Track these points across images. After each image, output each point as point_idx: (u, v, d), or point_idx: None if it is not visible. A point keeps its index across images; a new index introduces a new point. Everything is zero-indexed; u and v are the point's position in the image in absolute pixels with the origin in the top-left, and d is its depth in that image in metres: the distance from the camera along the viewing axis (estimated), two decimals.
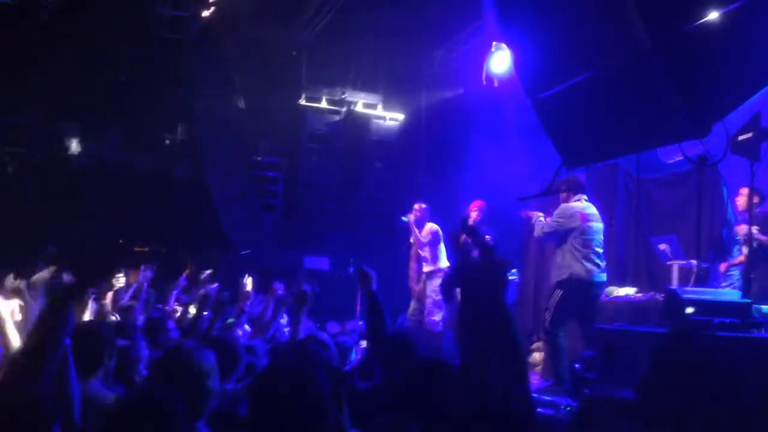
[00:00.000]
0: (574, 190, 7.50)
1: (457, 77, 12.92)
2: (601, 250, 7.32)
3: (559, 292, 7.28)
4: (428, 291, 9.35)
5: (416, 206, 9.70)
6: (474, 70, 11.70)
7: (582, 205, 7.45)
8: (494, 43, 10.69)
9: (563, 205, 7.49)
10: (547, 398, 6.11)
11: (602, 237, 7.41)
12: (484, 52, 11.13)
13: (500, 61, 10.72)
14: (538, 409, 5.97)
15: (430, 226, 9.51)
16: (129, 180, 14.55)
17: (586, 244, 7.25)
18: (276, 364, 2.77)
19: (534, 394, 6.30)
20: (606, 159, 7.62)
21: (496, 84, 11.10)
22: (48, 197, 13.58)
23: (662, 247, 7.65)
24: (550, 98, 6.32)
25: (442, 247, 9.38)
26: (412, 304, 9.58)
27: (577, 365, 6.10)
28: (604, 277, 7.33)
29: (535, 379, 8.03)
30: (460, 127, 12.39)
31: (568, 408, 5.81)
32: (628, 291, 7.67)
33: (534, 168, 9.37)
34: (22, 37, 12.40)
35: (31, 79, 12.95)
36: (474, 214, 8.65)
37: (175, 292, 8.06)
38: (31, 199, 13.49)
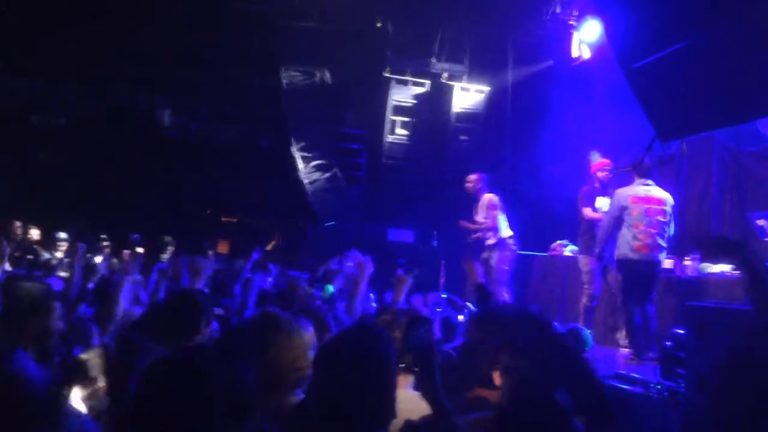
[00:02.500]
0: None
1: (545, 48, 12.65)
2: (653, 230, 7.37)
3: (618, 273, 7.63)
4: (493, 263, 9.22)
5: (470, 177, 9.60)
6: (563, 41, 11.43)
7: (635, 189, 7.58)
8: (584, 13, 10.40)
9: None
10: (636, 376, 5.97)
11: (660, 218, 7.45)
12: (575, 22, 10.85)
13: (591, 31, 10.44)
14: (627, 387, 5.87)
15: (488, 197, 9.36)
16: (215, 152, 14.87)
17: (634, 224, 7.40)
18: (338, 335, 2.76)
19: (622, 371, 6.22)
20: (703, 131, 7.35)
21: (586, 55, 10.82)
22: (140, 169, 14.00)
23: (761, 222, 7.35)
24: (644, 68, 6.14)
25: (502, 216, 9.27)
26: None
27: (668, 343, 5.94)
28: (659, 257, 7.42)
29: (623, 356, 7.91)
30: (547, 100, 12.14)
31: (659, 386, 5.68)
32: (723, 268, 7.43)
33: (625, 141, 9.12)
34: (111, 13, 12.75)
35: (120, 54, 13.34)
36: (602, 174, 8.50)
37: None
38: (122, 171, 13.93)
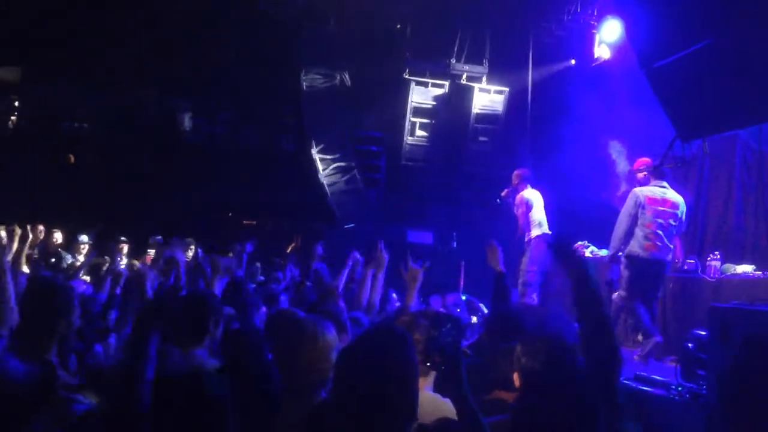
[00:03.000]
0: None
1: (565, 49, 12.60)
2: (663, 232, 7.53)
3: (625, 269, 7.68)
4: (522, 264, 9.23)
5: (515, 174, 9.56)
6: (583, 41, 11.38)
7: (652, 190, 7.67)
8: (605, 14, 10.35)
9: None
10: (659, 378, 5.93)
11: (672, 221, 7.60)
12: (595, 22, 10.81)
13: (611, 31, 10.39)
14: (648, 389, 5.83)
15: (520, 196, 9.34)
16: (237, 155, 14.95)
17: (647, 224, 7.53)
18: (360, 337, 2.77)
19: (643, 373, 6.18)
20: (725, 130, 7.30)
21: (606, 55, 10.77)
22: (160, 172, 14.11)
23: None
24: (665, 68, 6.11)
25: (534, 214, 9.21)
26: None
27: (690, 345, 5.89)
28: (667, 257, 7.63)
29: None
30: (568, 101, 12.08)
31: (680, 388, 5.64)
32: (745, 269, 7.38)
33: (647, 141, 9.05)
34: (136, 15, 12.86)
35: (144, 58, 13.45)
36: (641, 175, 8.25)
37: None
38: (144, 173, 14.04)
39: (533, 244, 9.22)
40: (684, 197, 8.56)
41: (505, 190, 9.66)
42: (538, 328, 3.44)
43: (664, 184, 7.71)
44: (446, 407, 2.96)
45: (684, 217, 7.77)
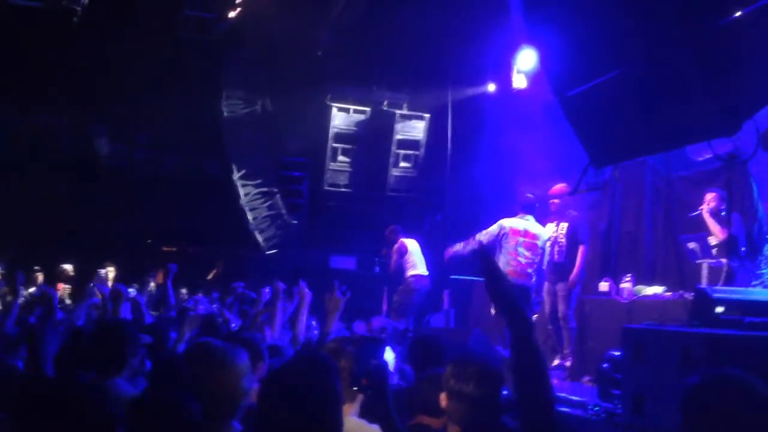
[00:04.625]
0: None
1: (483, 75, 12.85)
2: (521, 260, 8.34)
3: None
4: (396, 299, 10.48)
5: (388, 231, 10.89)
6: (501, 68, 11.64)
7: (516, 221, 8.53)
8: (521, 41, 10.61)
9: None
10: (575, 398, 6.07)
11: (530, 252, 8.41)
12: (512, 50, 11.06)
13: (527, 59, 10.65)
14: (566, 409, 5.96)
15: (396, 246, 10.59)
16: (157, 180, 14.67)
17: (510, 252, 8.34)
18: (283, 365, 2.75)
19: (562, 393, 6.31)
20: (635, 157, 7.57)
21: (523, 83, 11.04)
22: (77, 198, 13.72)
23: (691, 245, 7.56)
24: (577, 96, 6.29)
25: (409, 257, 10.44)
26: None
27: (605, 365, 6.05)
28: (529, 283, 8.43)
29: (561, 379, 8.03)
30: (486, 126, 12.34)
31: (597, 408, 5.78)
32: (656, 290, 7.62)
33: (561, 166, 9.31)
34: (51, 38, 12.56)
35: (59, 80, 13.12)
36: (556, 202, 8.73)
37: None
38: (61, 199, 13.63)
39: (412, 283, 10.29)
40: (597, 221, 8.89)
41: (384, 249, 11.13)
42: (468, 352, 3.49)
43: (528, 217, 8.45)
44: None
45: (547, 246, 8.48)
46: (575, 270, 8.28)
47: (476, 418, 2.93)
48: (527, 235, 8.36)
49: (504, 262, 8.13)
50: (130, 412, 2.60)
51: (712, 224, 7.26)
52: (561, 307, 8.28)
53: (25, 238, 12.67)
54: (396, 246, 10.58)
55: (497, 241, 8.34)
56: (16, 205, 13.09)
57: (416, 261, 10.46)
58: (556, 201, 8.67)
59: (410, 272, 10.36)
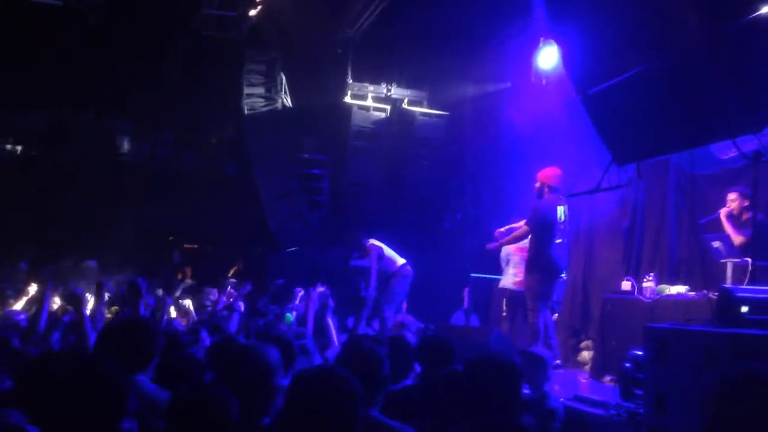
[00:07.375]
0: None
1: (504, 73, 12.80)
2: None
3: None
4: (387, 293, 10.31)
5: (356, 239, 10.70)
6: (522, 65, 11.58)
7: None
8: (542, 38, 10.56)
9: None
10: (597, 398, 6.03)
11: None
12: (533, 47, 11.00)
13: (548, 56, 10.58)
14: (588, 409, 5.92)
15: (368, 248, 10.44)
16: (178, 178, 14.75)
17: None
18: (313, 372, 2.76)
19: (582, 393, 6.28)
20: (658, 155, 7.50)
21: (543, 81, 10.98)
22: (98, 195, 13.82)
23: (716, 244, 7.49)
24: (599, 94, 6.26)
25: (386, 252, 10.42)
26: None
27: (627, 365, 6.00)
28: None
29: (583, 378, 7.99)
30: (507, 124, 12.28)
31: (618, 408, 5.74)
32: (679, 289, 7.56)
33: (583, 164, 9.25)
34: (73, 37, 12.66)
35: (81, 78, 13.22)
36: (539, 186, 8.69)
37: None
38: (81, 196, 13.73)
39: (405, 270, 10.29)
40: (620, 219, 8.84)
41: (356, 255, 10.83)
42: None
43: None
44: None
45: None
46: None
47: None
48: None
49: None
50: (170, 407, 2.64)
51: (729, 228, 7.20)
52: None
53: (46, 234, 12.78)
54: (368, 248, 10.55)
55: None
56: (38, 202, 13.21)
57: (394, 255, 10.53)
58: (537, 184, 8.65)
59: (399, 263, 10.39)
